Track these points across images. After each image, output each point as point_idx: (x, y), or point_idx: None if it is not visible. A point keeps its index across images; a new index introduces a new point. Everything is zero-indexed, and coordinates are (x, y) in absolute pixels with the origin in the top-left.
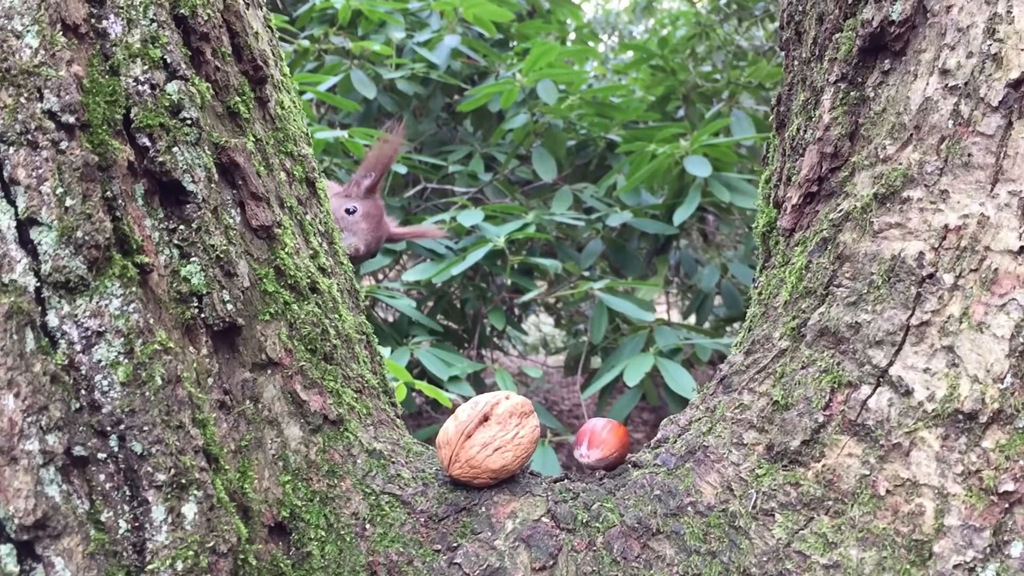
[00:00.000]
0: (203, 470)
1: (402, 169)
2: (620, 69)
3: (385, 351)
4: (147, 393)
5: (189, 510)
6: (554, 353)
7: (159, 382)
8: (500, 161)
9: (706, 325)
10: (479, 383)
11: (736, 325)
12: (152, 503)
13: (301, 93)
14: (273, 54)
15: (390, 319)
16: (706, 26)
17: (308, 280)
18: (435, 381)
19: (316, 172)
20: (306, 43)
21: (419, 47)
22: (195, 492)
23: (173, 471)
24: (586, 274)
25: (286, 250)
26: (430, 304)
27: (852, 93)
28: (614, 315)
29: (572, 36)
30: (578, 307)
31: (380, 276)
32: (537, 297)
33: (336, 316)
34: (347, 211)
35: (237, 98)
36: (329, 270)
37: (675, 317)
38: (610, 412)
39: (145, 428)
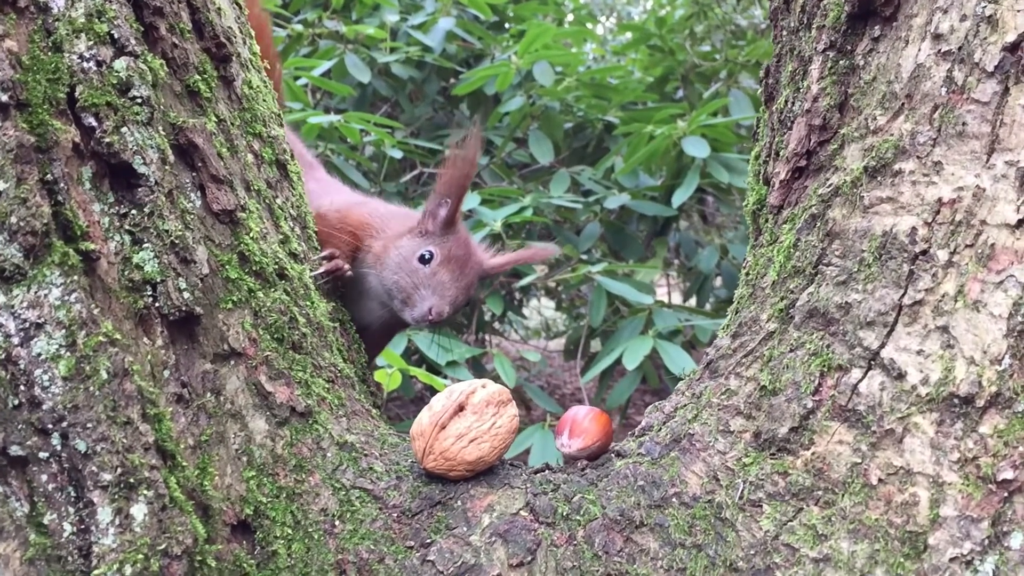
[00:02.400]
0: (154, 468)
1: (397, 154)
2: (618, 50)
3: None
4: (91, 388)
5: (138, 511)
6: (554, 337)
7: (104, 376)
8: (497, 144)
9: (706, 307)
10: (479, 368)
11: None
12: (98, 504)
13: (296, 79)
14: (241, 32)
15: None
16: (704, 5)
17: (276, 266)
18: (434, 367)
19: (288, 154)
20: (299, 28)
21: (414, 30)
22: (145, 492)
23: (120, 470)
24: (585, 257)
25: (251, 235)
26: None
27: (841, 62)
28: (613, 298)
29: (570, 18)
30: (578, 290)
31: None
32: (536, 281)
33: (307, 303)
34: (421, 259)
35: (197, 76)
36: (301, 255)
37: (675, 299)
38: (611, 395)
39: (89, 425)
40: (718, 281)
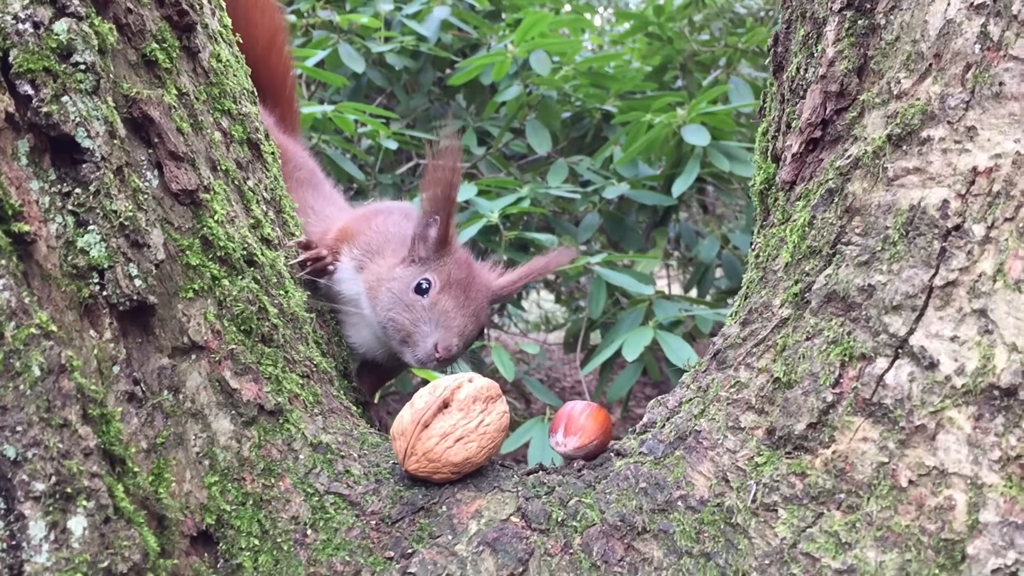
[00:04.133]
0: (95, 476)
1: (393, 145)
2: (616, 39)
3: None
4: (22, 386)
5: (76, 524)
6: (554, 330)
7: (37, 372)
8: (493, 135)
9: (707, 297)
10: (477, 362)
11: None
12: (29, 517)
13: None
14: (209, 2)
15: None
16: None
17: (244, 252)
18: None
19: (261, 132)
20: (292, 18)
21: (408, 19)
22: (84, 503)
23: (55, 479)
24: (584, 248)
25: (216, 218)
26: None
27: (860, 22)
28: (613, 289)
29: (567, 8)
30: (577, 282)
31: None
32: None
33: (280, 292)
34: (417, 290)
35: (155, 45)
36: (275, 241)
37: (675, 290)
38: (611, 388)
39: (19, 428)
40: (718, 271)
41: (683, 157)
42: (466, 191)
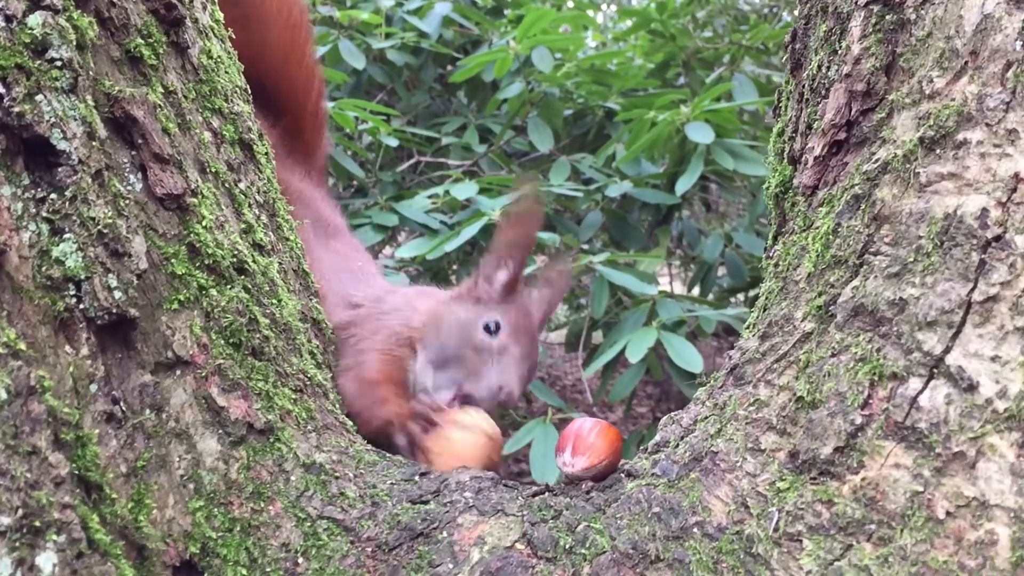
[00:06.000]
0: (66, 507)
1: (394, 142)
2: (618, 36)
3: None
4: None
5: (46, 561)
6: (555, 328)
7: (3, 396)
8: (495, 132)
9: (710, 296)
10: None
11: (741, 296)
12: None
13: None
14: None
15: None
16: None
17: (234, 259)
18: None
19: (254, 132)
20: None
21: (409, 15)
22: (54, 537)
23: (22, 511)
24: (585, 247)
25: (203, 223)
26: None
27: (888, 17)
28: (615, 289)
29: (569, 4)
30: (579, 281)
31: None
32: (535, 273)
33: (272, 301)
34: (486, 329)
35: (140, 40)
36: (268, 247)
37: (678, 289)
38: (613, 389)
39: None
40: (722, 270)
41: (686, 155)
42: (468, 189)
